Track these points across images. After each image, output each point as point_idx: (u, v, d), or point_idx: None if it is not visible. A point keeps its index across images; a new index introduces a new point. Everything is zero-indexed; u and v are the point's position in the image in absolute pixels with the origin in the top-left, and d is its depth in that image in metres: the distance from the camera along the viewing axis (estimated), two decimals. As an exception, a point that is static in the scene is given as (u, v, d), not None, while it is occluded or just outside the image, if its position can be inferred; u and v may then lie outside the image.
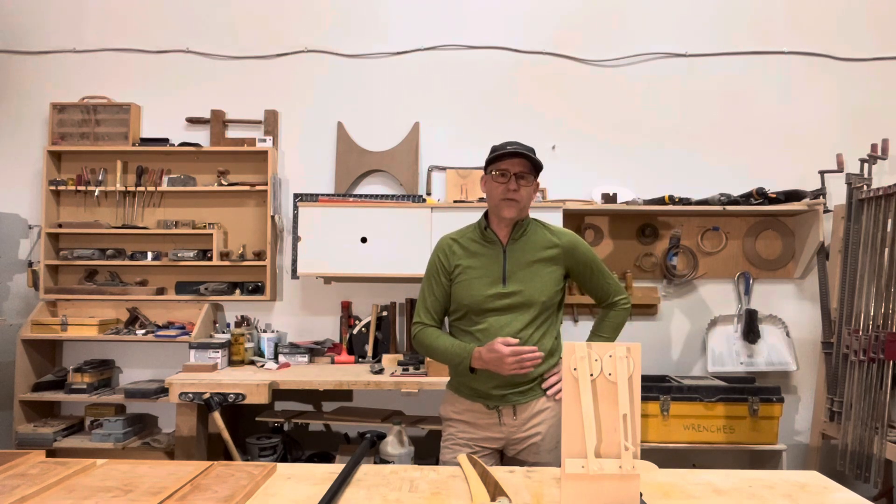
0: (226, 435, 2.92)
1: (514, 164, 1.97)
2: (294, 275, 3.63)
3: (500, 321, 1.99)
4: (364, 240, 3.32)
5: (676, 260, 3.63)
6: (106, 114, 3.70)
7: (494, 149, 2.04)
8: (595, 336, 2.17)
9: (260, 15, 3.79)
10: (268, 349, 3.51)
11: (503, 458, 2.12)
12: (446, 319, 2.18)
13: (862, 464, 2.98)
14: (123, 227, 3.65)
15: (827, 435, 3.34)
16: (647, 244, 3.66)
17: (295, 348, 3.48)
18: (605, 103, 3.72)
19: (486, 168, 2.06)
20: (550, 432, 2.03)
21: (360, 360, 3.56)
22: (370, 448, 2.09)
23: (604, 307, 2.19)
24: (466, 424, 2.08)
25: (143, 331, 3.50)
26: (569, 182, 3.66)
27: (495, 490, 1.48)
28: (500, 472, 1.69)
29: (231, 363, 3.41)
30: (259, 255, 3.66)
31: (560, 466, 1.41)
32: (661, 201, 3.43)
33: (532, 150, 2.02)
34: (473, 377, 2.02)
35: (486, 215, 2.11)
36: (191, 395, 2.92)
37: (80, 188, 3.65)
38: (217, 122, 3.73)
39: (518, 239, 2.05)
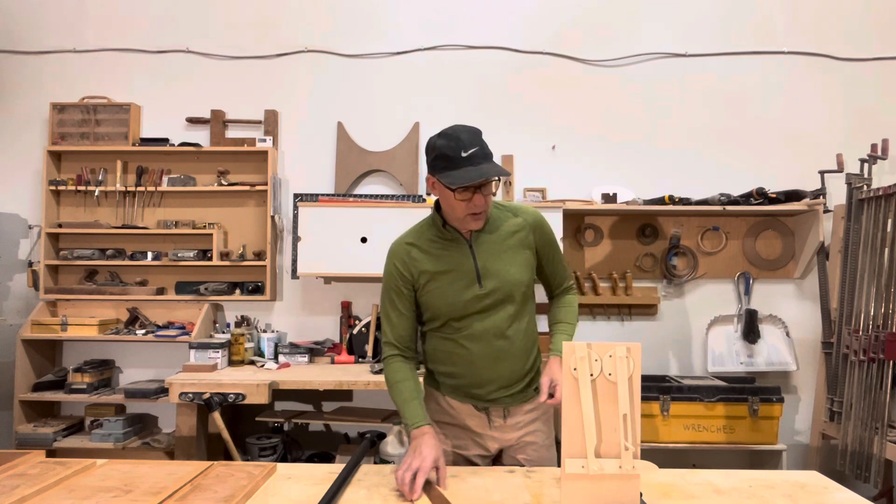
0: (226, 435, 2.92)
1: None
2: (294, 275, 3.62)
3: (484, 324, 1.80)
4: (364, 240, 3.32)
5: (676, 260, 3.63)
6: (106, 114, 3.70)
7: (444, 153, 1.68)
8: (566, 325, 1.93)
9: (260, 15, 3.79)
10: (268, 349, 3.51)
11: (498, 458, 1.97)
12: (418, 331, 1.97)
13: (862, 464, 2.98)
14: (123, 227, 3.65)
15: (827, 435, 3.34)
16: (647, 244, 3.65)
17: (295, 348, 3.48)
18: (605, 103, 3.72)
19: (433, 170, 1.74)
20: (545, 430, 1.93)
21: (360, 360, 3.56)
22: (370, 448, 2.09)
23: (558, 294, 2.00)
24: (458, 428, 1.89)
25: (143, 331, 3.50)
26: (569, 182, 3.66)
27: None
28: (499, 472, 1.69)
29: (231, 363, 3.40)
30: (259, 255, 3.66)
31: (559, 466, 1.41)
32: (661, 201, 3.43)
33: (484, 144, 1.70)
34: (463, 379, 1.85)
35: (438, 208, 1.84)
36: (191, 395, 2.92)
37: (80, 188, 3.65)
38: (217, 122, 3.73)
39: (482, 230, 1.82)
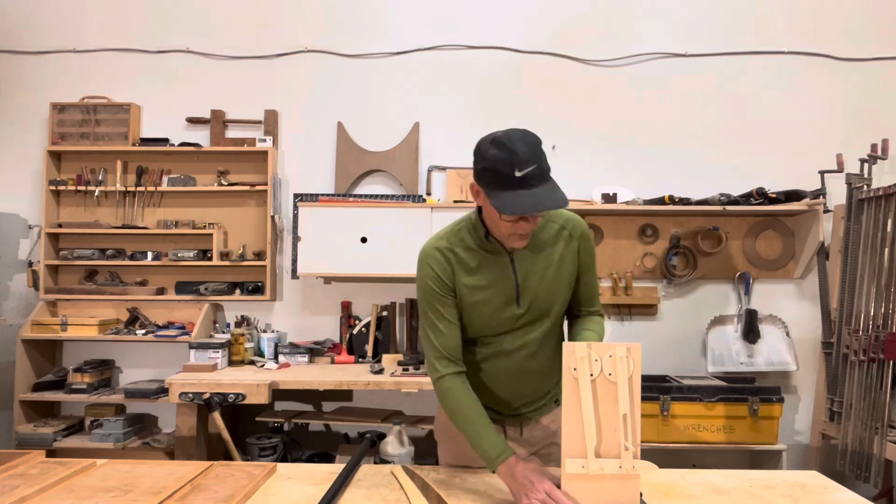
0: (226, 435, 2.93)
1: None
2: (294, 275, 3.62)
3: (515, 342, 1.67)
4: (364, 240, 3.32)
5: (676, 260, 3.63)
6: (106, 114, 3.70)
7: (495, 167, 1.46)
8: (589, 332, 1.73)
9: (260, 15, 3.79)
10: (268, 349, 3.51)
11: None
12: None
13: (862, 464, 2.98)
14: (123, 227, 3.65)
15: (827, 435, 3.34)
16: (647, 244, 3.65)
17: (295, 348, 3.48)
18: (605, 103, 3.72)
19: (481, 181, 1.53)
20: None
21: (360, 360, 3.56)
22: (370, 448, 2.09)
23: (585, 315, 1.80)
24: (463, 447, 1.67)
25: (143, 331, 3.50)
26: (569, 182, 3.63)
27: None
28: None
29: (231, 363, 3.40)
30: (259, 255, 3.66)
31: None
32: (661, 201, 3.43)
33: (543, 159, 1.48)
34: (482, 393, 1.66)
35: (481, 215, 1.64)
36: (191, 395, 2.92)
37: (80, 188, 3.65)
38: (217, 122, 3.73)
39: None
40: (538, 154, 1.46)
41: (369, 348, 3.59)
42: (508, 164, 1.43)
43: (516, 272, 1.62)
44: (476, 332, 1.67)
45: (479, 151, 1.53)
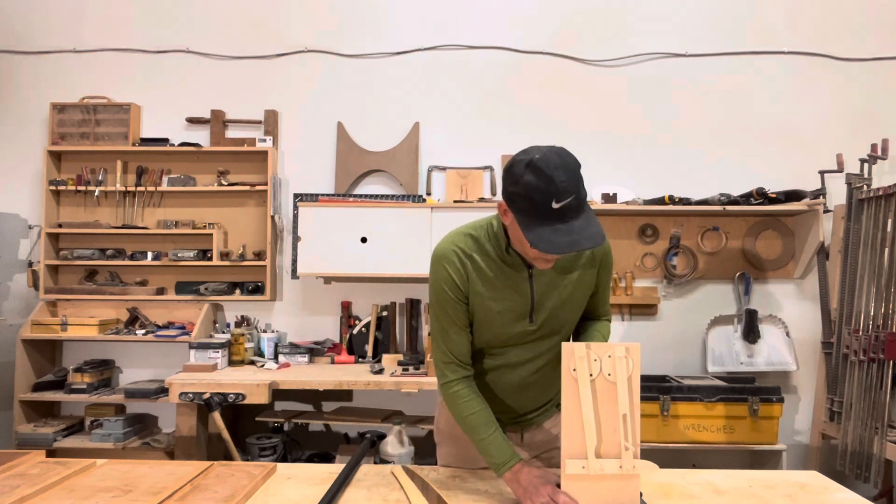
0: (226, 435, 2.93)
1: None
2: (294, 275, 3.62)
3: (521, 355, 1.64)
4: (364, 240, 3.32)
5: (676, 260, 3.63)
6: (106, 114, 3.70)
7: (530, 196, 1.35)
8: (594, 332, 1.72)
9: (260, 15, 3.79)
10: (268, 349, 3.51)
11: None
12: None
13: (862, 464, 2.98)
14: (123, 227, 3.65)
15: (827, 435, 3.34)
16: (647, 244, 3.66)
17: (295, 348, 3.48)
18: (605, 103, 3.72)
19: (512, 204, 1.41)
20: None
21: (360, 360, 3.56)
22: (370, 448, 2.09)
23: (590, 318, 1.76)
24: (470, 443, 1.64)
25: (143, 331, 3.50)
26: (569, 182, 3.64)
27: None
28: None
29: (231, 363, 3.40)
30: (259, 255, 3.66)
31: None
32: (661, 201, 3.43)
33: (581, 185, 1.40)
34: (488, 397, 1.64)
35: (504, 226, 1.55)
36: (191, 395, 2.92)
37: (80, 188, 3.65)
38: (217, 122, 3.73)
39: None
40: (576, 182, 1.37)
41: (369, 348, 3.59)
42: (545, 194, 1.34)
43: (533, 289, 1.57)
44: (483, 344, 1.63)
45: (513, 174, 1.39)
